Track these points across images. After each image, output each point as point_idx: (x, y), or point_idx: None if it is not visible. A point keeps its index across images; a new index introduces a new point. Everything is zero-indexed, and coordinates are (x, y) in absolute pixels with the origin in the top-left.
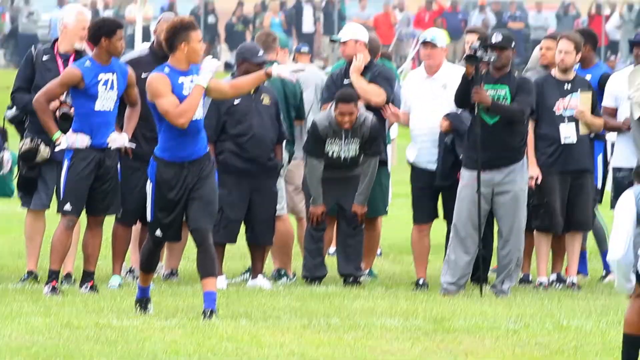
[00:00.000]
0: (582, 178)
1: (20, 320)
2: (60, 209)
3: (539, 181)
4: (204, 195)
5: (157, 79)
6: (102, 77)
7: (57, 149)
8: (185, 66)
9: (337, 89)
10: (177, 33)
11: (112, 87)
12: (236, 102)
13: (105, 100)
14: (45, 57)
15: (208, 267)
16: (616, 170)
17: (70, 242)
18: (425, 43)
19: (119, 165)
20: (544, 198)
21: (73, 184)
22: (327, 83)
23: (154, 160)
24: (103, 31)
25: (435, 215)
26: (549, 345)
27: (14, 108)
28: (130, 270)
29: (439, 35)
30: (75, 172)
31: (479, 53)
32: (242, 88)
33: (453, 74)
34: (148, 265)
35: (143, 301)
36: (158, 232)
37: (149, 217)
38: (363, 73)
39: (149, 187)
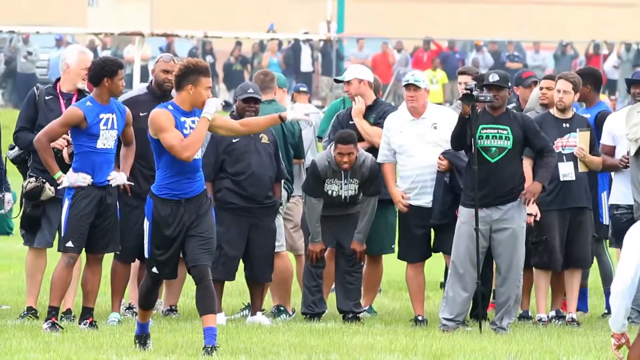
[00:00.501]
0: (580, 215)
1: (19, 356)
2: (61, 247)
3: (537, 218)
4: (202, 232)
5: (161, 114)
6: (103, 116)
7: (59, 187)
8: (189, 108)
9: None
10: (187, 74)
11: (112, 127)
12: (235, 140)
13: (106, 140)
14: (47, 97)
15: (207, 303)
16: (614, 207)
17: (71, 279)
18: (408, 85)
19: (117, 203)
20: (543, 235)
21: (75, 222)
22: (333, 124)
23: (151, 197)
24: (105, 71)
25: (429, 254)
26: None
27: (16, 148)
28: (130, 307)
29: (421, 77)
30: (77, 210)
31: (475, 92)
32: (253, 127)
33: (442, 113)
34: (146, 302)
35: (142, 337)
36: (154, 269)
37: (146, 254)
38: (368, 112)
39: (146, 224)
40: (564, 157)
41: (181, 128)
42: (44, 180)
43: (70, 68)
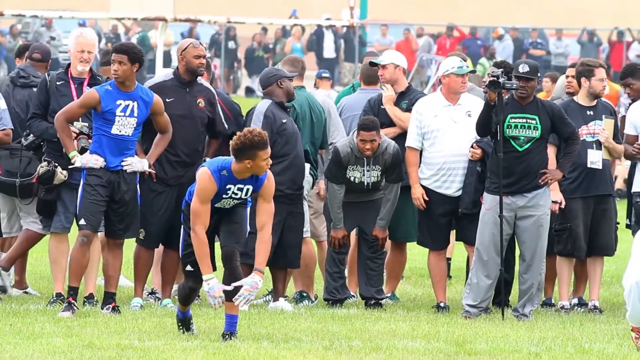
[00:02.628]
0: (604, 203)
1: (42, 341)
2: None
3: (562, 206)
4: (233, 218)
5: (207, 183)
6: (122, 102)
7: (70, 167)
8: (244, 177)
9: (375, 115)
10: (244, 149)
11: (131, 114)
12: (284, 120)
13: (123, 126)
14: (59, 83)
15: (232, 290)
16: (636, 195)
17: (88, 259)
18: (463, 73)
19: (138, 189)
20: (567, 223)
21: (86, 200)
22: (365, 108)
23: (188, 199)
24: (107, 59)
25: (449, 241)
26: None
27: (31, 135)
28: (152, 292)
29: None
30: (89, 190)
31: (501, 80)
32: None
33: (475, 102)
34: (187, 302)
35: (186, 321)
36: (189, 267)
37: (180, 254)
38: (401, 99)
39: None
40: (594, 145)
41: (222, 192)
42: (56, 164)
43: (71, 52)
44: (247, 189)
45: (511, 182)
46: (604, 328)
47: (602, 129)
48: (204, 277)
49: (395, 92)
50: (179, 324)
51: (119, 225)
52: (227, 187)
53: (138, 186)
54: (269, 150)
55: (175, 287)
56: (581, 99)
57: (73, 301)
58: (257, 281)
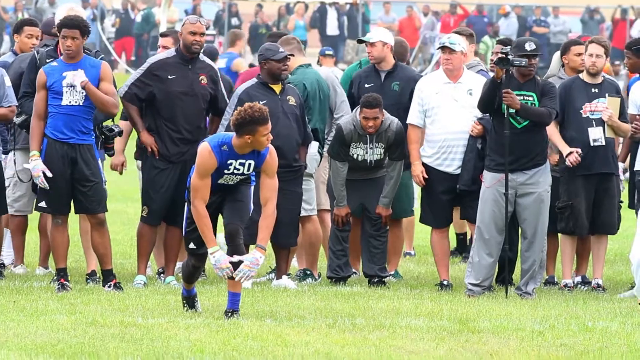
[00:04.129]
0: (607, 181)
1: (45, 318)
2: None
3: (579, 154)
4: (236, 197)
5: (207, 158)
6: (67, 73)
7: (26, 164)
8: (245, 151)
9: (357, 91)
10: (244, 124)
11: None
12: (262, 101)
13: (72, 96)
14: (49, 60)
15: (235, 268)
16: (638, 173)
17: (67, 238)
18: (443, 48)
19: (100, 164)
20: (570, 200)
21: (48, 182)
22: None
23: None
24: (57, 29)
25: (452, 219)
26: (574, 347)
27: (23, 114)
28: (160, 272)
29: (458, 40)
30: (48, 171)
31: (510, 57)
32: None
33: (478, 80)
34: (191, 280)
35: (190, 299)
36: (191, 245)
37: (183, 232)
38: (391, 78)
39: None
40: (593, 122)
41: (224, 168)
42: None
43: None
44: (249, 164)
45: (511, 159)
46: (607, 306)
47: (605, 107)
48: (209, 250)
49: (383, 70)
50: (184, 302)
51: (87, 202)
52: (229, 162)
53: (100, 161)
54: (269, 125)
55: (178, 264)
56: (586, 76)
57: (65, 282)
58: (257, 257)
